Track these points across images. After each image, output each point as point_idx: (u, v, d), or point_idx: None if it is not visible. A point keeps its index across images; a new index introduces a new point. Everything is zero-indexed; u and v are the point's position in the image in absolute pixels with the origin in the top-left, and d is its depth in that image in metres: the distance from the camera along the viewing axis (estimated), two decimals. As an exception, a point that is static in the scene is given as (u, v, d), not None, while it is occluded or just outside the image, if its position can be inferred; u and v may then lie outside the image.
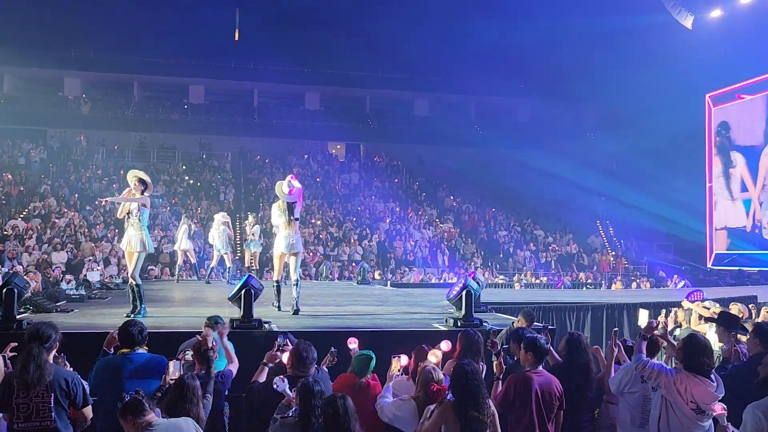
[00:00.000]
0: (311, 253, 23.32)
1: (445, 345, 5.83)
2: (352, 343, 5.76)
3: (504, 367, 5.43)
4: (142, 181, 8.39)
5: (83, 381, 4.86)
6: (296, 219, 9.26)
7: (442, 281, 21.45)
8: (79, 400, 4.73)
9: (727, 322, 6.49)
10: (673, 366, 5.09)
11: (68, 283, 14.51)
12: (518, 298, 13.42)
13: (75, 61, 32.07)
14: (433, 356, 5.36)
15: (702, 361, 4.77)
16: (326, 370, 5.42)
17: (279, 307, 9.30)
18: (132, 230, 8.37)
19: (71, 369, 5.01)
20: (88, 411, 4.85)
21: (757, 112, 23.72)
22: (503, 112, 36.38)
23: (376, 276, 21.55)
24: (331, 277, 21.57)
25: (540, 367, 5.25)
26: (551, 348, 6.12)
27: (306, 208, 27.35)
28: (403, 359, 5.51)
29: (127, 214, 8.40)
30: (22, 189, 25.04)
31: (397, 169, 33.96)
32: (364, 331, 7.52)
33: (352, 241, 25.05)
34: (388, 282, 19.78)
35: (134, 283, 8.40)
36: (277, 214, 9.35)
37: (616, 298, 14.03)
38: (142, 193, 8.38)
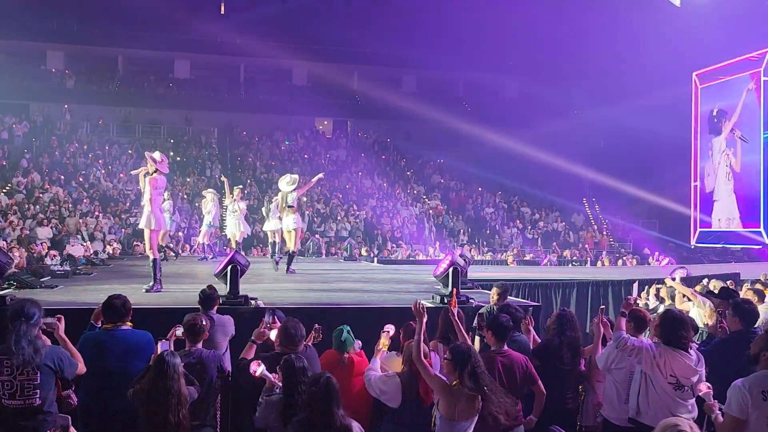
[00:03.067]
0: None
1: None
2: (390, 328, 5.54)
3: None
4: (154, 161, 9.15)
5: (66, 354, 4.80)
6: (290, 206, 12.14)
7: (429, 258, 21.52)
8: (67, 374, 4.72)
9: (727, 295, 6.64)
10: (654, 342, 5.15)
11: (52, 259, 14.42)
12: (504, 275, 13.47)
13: (58, 34, 31.49)
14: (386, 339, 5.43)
15: (680, 334, 4.83)
16: (314, 348, 5.44)
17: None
18: (145, 208, 9.12)
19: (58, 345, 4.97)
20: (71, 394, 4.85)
21: (741, 92, 23.75)
22: (491, 89, 36.22)
23: (363, 252, 21.59)
24: (317, 253, 21.62)
25: (505, 347, 5.28)
26: (532, 330, 6.20)
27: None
28: (390, 329, 5.52)
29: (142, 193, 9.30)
30: (4, 164, 24.72)
31: (384, 146, 33.85)
32: (351, 307, 7.55)
33: (339, 217, 25.03)
34: (375, 258, 19.82)
35: (150, 258, 9.08)
36: (280, 203, 12.61)
37: (601, 275, 14.15)
38: (153, 174, 9.08)
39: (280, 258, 12.99)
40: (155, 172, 9.08)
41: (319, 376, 4.08)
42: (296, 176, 12.53)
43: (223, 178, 17.37)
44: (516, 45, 32.20)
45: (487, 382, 4.54)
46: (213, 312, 6.08)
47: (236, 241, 14.82)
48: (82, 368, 4.83)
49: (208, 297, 6.12)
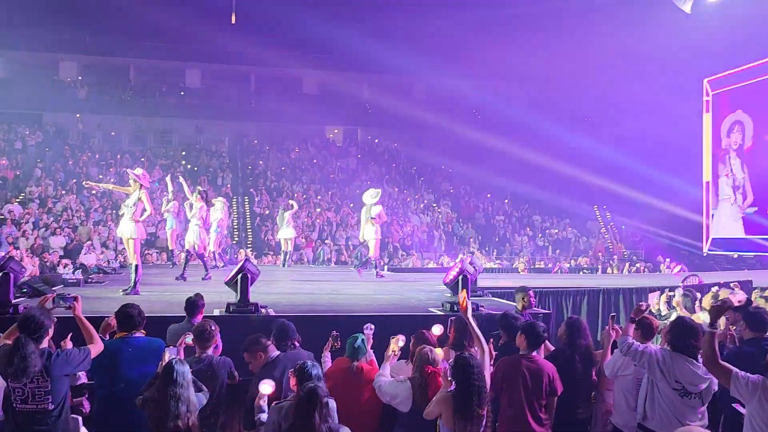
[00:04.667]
0: (308, 238, 23.33)
1: (438, 329, 5.87)
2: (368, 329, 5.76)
3: (494, 353, 5.46)
4: (138, 177, 9.61)
5: (74, 352, 4.79)
6: (372, 218, 13.27)
7: (439, 266, 21.47)
8: (81, 369, 4.81)
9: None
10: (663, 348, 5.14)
11: (65, 268, 14.49)
12: (515, 282, 13.41)
13: (70, 45, 31.77)
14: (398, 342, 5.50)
15: (689, 342, 4.85)
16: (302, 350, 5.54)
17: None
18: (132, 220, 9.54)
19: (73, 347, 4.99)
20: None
21: (752, 98, 23.61)
22: (500, 96, 36.16)
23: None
24: (328, 260, 21.72)
25: (534, 353, 5.26)
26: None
27: (303, 193, 27.37)
28: (401, 340, 5.54)
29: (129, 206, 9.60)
30: (18, 173, 24.94)
31: (394, 154, 33.86)
32: (361, 315, 7.54)
33: (350, 225, 25.04)
34: (385, 267, 19.79)
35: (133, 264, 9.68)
36: (363, 215, 13.80)
37: (612, 283, 14.07)
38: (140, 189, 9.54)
39: (362, 268, 14.04)
40: (141, 186, 9.54)
41: (305, 386, 4.11)
42: (379, 190, 13.82)
43: (180, 179, 15.75)
44: (525, 54, 32.20)
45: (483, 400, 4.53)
46: (198, 321, 6.03)
47: (188, 250, 12.85)
48: (98, 347, 4.89)
49: (192, 304, 6.21)
